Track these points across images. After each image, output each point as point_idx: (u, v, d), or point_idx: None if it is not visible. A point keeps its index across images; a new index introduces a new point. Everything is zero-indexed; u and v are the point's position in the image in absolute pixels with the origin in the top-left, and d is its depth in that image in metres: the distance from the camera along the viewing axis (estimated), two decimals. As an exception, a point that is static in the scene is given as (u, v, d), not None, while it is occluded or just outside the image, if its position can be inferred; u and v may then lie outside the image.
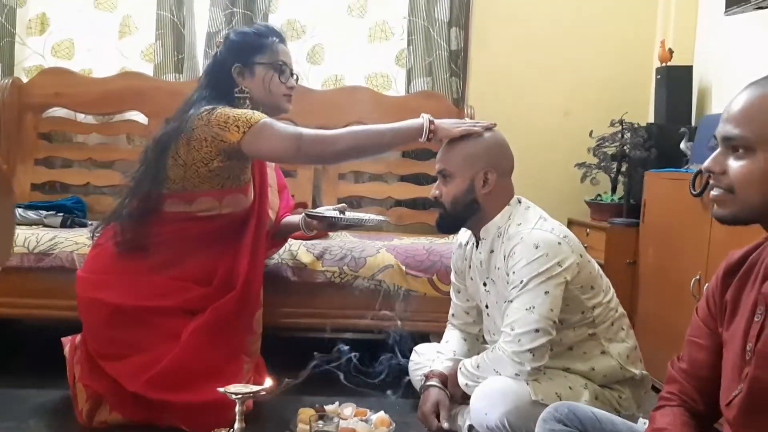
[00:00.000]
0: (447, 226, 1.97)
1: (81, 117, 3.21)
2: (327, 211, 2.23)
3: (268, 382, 1.64)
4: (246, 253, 2.08)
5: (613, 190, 3.11)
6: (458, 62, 3.30)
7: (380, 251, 2.49)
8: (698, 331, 1.30)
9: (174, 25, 3.21)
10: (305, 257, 2.45)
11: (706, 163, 1.16)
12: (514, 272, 1.79)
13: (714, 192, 1.16)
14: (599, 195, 3.16)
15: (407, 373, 2.15)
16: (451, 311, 2.16)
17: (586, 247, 1.98)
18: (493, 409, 1.73)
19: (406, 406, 2.22)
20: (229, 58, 2.12)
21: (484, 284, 1.95)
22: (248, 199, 2.13)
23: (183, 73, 3.24)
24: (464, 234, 2.06)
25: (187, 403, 1.89)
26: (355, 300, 2.45)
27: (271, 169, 2.32)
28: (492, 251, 1.90)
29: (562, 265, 1.77)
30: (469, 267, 2.02)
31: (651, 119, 3.17)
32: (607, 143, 3.06)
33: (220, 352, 1.97)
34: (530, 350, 1.73)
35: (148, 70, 3.25)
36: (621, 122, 3.03)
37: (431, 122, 1.95)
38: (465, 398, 1.91)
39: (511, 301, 1.78)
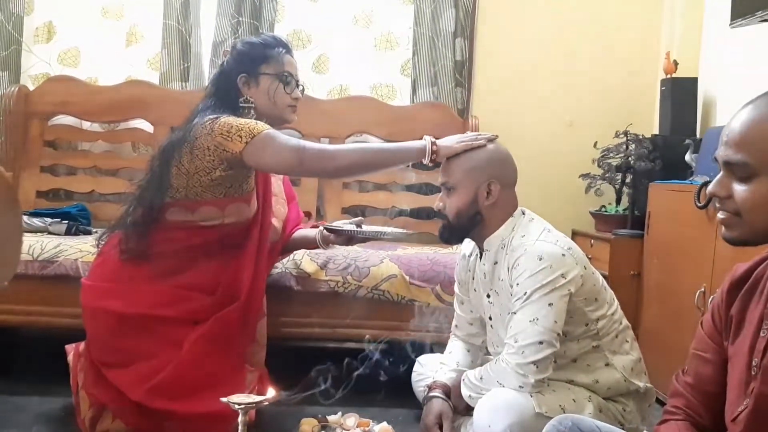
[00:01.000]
0: (450, 237, 1.97)
1: (87, 125, 3.23)
2: (344, 224, 2.20)
3: (271, 393, 1.64)
4: (249, 263, 2.08)
5: (618, 201, 3.10)
6: (463, 73, 3.31)
7: (384, 261, 2.49)
8: (703, 345, 1.29)
9: (180, 34, 3.23)
10: (309, 266, 2.45)
11: (711, 188, 1.15)
12: (517, 284, 1.78)
13: (721, 215, 1.15)
14: (604, 206, 3.16)
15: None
16: (454, 322, 2.16)
17: (590, 259, 1.98)
18: (497, 421, 1.72)
19: (410, 417, 2.21)
20: (235, 68, 2.12)
21: (488, 296, 1.94)
22: (251, 208, 2.13)
23: (189, 82, 3.25)
24: (468, 245, 2.06)
25: (189, 412, 1.88)
26: (359, 310, 2.44)
27: (276, 179, 2.31)
28: (496, 263, 1.90)
29: (566, 277, 1.76)
30: (473, 278, 2.02)
31: (656, 131, 3.16)
32: (611, 154, 3.06)
33: (222, 361, 1.96)
34: (534, 362, 1.73)
35: (154, 78, 3.26)
36: (626, 133, 3.03)
37: (433, 143, 1.95)
38: (468, 410, 1.90)
39: (515, 313, 1.78)
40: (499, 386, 1.78)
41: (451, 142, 1.94)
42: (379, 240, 2.26)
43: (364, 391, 2.15)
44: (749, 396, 1.13)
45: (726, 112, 2.84)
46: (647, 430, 1.80)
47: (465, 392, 1.87)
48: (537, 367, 1.73)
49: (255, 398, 1.51)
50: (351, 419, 2.08)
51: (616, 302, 1.93)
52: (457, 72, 3.29)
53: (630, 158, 2.97)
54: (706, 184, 2.15)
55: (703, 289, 2.21)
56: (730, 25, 2.56)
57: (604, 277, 2.01)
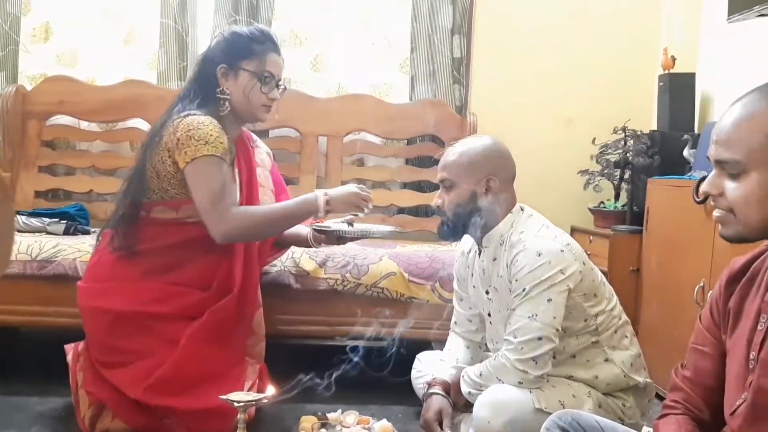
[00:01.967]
0: (449, 234, 1.97)
1: (84, 125, 3.22)
2: (334, 223, 2.18)
3: (270, 390, 1.64)
4: (239, 255, 2.08)
5: (616, 197, 3.10)
6: (461, 70, 3.31)
7: (383, 259, 2.49)
8: (702, 339, 1.29)
9: (177, 33, 3.22)
10: (308, 265, 2.45)
11: (704, 186, 1.17)
12: (516, 280, 1.78)
13: (716, 213, 1.16)
14: (602, 202, 3.16)
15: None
16: (453, 319, 2.16)
17: (588, 255, 1.98)
18: (496, 417, 1.72)
19: (409, 414, 2.21)
20: (217, 56, 2.09)
21: (487, 292, 1.94)
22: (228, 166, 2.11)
23: (186, 81, 3.24)
24: (467, 242, 2.06)
25: (189, 409, 1.88)
26: (358, 308, 2.44)
27: (263, 169, 2.27)
28: (495, 259, 1.90)
29: (565, 273, 1.76)
30: (472, 275, 2.02)
31: (654, 126, 3.16)
32: (610, 150, 3.07)
33: (220, 355, 1.96)
34: (533, 358, 1.73)
35: (151, 78, 3.26)
36: (624, 129, 3.03)
37: (326, 194, 2.02)
38: (468, 406, 1.90)
39: (514, 309, 1.78)
40: (498, 382, 1.78)
41: (342, 195, 2.04)
42: (369, 238, 2.24)
43: (364, 388, 2.15)
44: (747, 389, 1.14)
45: (724, 107, 2.80)
46: (647, 425, 1.79)
47: (464, 389, 1.87)
48: (536, 362, 1.73)
49: (254, 396, 1.52)
50: (351, 416, 2.08)
51: (615, 298, 1.93)
52: (455, 69, 3.29)
53: (628, 154, 2.97)
54: (704, 179, 2.15)
55: (702, 284, 2.21)
56: (728, 19, 2.56)
57: (603, 273, 2.01)
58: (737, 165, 1.10)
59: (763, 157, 1.08)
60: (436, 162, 3.19)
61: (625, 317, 1.94)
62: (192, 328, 1.97)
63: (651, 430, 1.34)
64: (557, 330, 1.75)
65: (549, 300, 1.74)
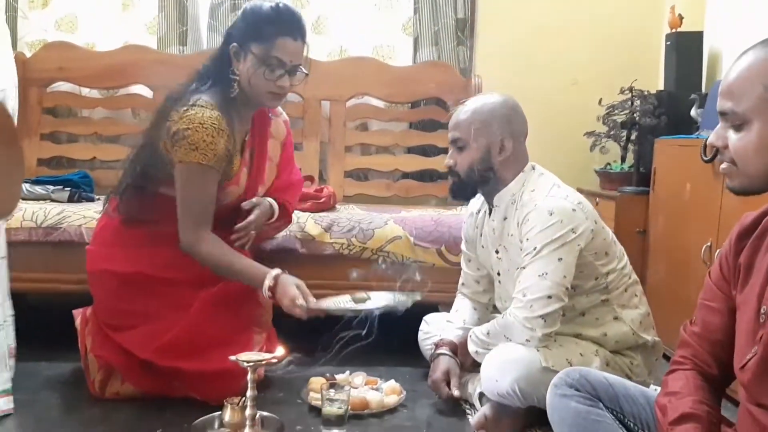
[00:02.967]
0: (461, 194, 1.96)
1: (86, 91, 3.20)
2: (340, 301, 1.94)
3: (280, 351, 1.65)
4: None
5: (623, 158, 3.08)
6: (465, 31, 3.26)
7: (388, 223, 2.48)
8: (711, 294, 1.29)
9: (177, -3, 3.18)
10: (313, 229, 2.44)
11: (710, 139, 1.17)
12: (527, 239, 1.78)
13: (722, 166, 1.16)
14: (609, 164, 3.14)
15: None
16: (461, 280, 2.16)
17: (596, 216, 1.96)
18: (504, 376, 1.73)
19: (417, 375, 2.23)
20: (234, 33, 2.02)
21: (497, 252, 1.94)
22: (240, 188, 2.08)
23: (187, 46, 3.21)
24: (476, 202, 2.04)
25: (198, 371, 1.90)
26: (364, 271, 2.44)
27: (275, 141, 2.22)
28: (505, 218, 1.89)
29: (576, 231, 1.75)
30: (481, 235, 2.01)
31: (661, 86, 3.13)
32: (616, 111, 3.03)
33: (230, 322, 1.97)
34: (542, 316, 1.73)
35: (151, 43, 3.22)
36: (630, 90, 2.99)
37: (275, 281, 1.89)
38: (475, 366, 1.91)
39: (524, 268, 1.78)
40: (506, 341, 1.79)
41: (288, 292, 1.86)
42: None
43: (372, 351, 2.16)
44: (758, 343, 1.13)
45: (732, 66, 2.79)
46: (654, 383, 1.81)
47: (472, 348, 1.88)
48: (545, 321, 1.73)
49: (263, 356, 1.52)
50: (359, 377, 2.11)
51: (626, 257, 1.93)
52: (459, 30, 3.24)
53: (635, 114, 2.94)
54: (712, 137, 2.13)
55: (709, 244, 2.20)
56: (737, -25, 2.51)
57: (611, 234, 2.00)
58: (738, 116, 1.11)
59: (762, 107, 1.09)
60: (441, 126, 3.20)
61: (634, 276, 1.93)
62: (204, 294, 1.98)
63: (658, 388, 1.34)
64: (567, 289, 1.75)
65: (560, 259, 1.74)
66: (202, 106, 1.92)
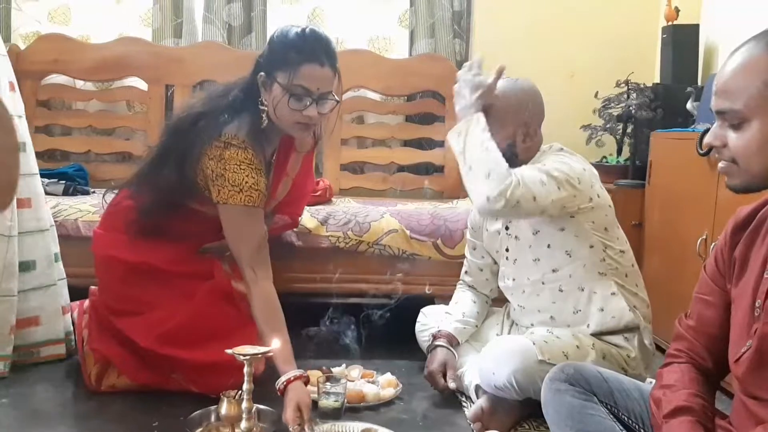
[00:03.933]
0: None
1: (80, 84, 3.18)
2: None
3: (276, 344, 1.65)
4: None
5: (619, 151, 3.08)
6: (461, 23, 3.25)
7: (384, 216, 2.48)
8: (706, 287, 1.29)
9: (172, -12, 3.16)
10: (309, 222, 2.44)
11: (707, 138, 1.17)
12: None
13: (721, 165, 1.16)
14: (605, 157, 3.14)
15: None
16: (464, 269, 2.18)
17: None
18: (500, 368, 1.74)
19: (413, 367, 2.23)
20: (261, 63, 1.92)
21: (506, 228, 1.95)
22: (265, 210, 2.02)
23: (182, 38, 3.20)
24: None
25: (196, 362, 1.90)
26: (360, 265, 2.45)
27: (297, 155, 2.12)
28: None
29: (581, 180, 1.80)
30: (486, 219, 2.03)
31: (657, 79, 3.12)
32: (612, 104, 3.03)
33: (232, 314, 1.96)
34: (523, 190, 1.70)
35: (146, 35, 3.20)
36: (627, 83, 2.99)
37: (285, 384, 1.73)
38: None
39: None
40: (479, 156, 1.73)
41: (288, 407, 1.69)
42: None
43: (368, 343, 2.17)
44: (752, 337, 1.14)
45: (728, 58, 2.79)
46: (650, 377, 1.81)
47: (452, 136, 1.82)
48: (522, 187, 1.70)
49: (260, 349, 1.52)
50: (355, 370, 2.11)
51: (628, 245, 1.94)
52: (456, 23, 3.23)
53: (631, 108, 2.94)
54: (708, 131, 2.13)
55: (705, 237, 2.21)
56: (733, -32, 2.50)
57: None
58: (737, 114, 1.10)
59: (762, 104, 1.08)
60: (437, 118, 3.19)
61: (636, 267, 1.95)
62: (209, 285, 1.98)
63: (653, 381, 1.35)
64: (552, 200, 1.74)
65: (559, 183, 1.75)
66: (236, 146, 1.87)
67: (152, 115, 3.13)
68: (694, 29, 2.95)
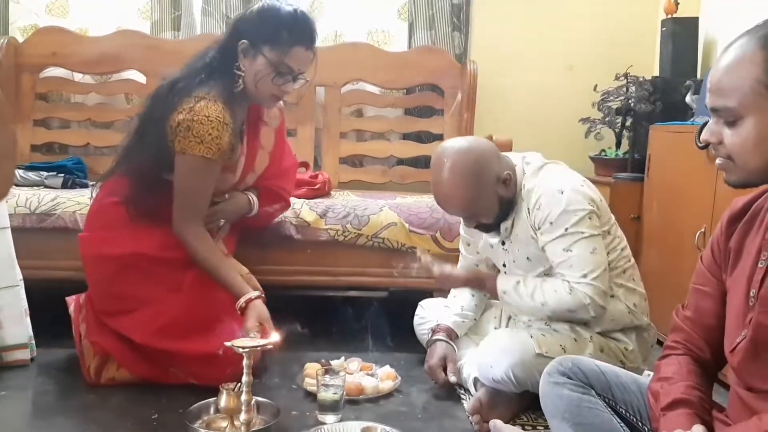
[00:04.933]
0: (492, 229, 1.94)
1: (78, 77, 3.17)
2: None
3: (275, 337, 1.65)
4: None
5: (618, 145, 3.08)
6: (461, 16, 3.24)
7: (383, 209, 2.48)
8: (703, 278, 1.30)
9: (170, -19, 3.15)
10: (308, 215, 2.44)
11: (703, 135, 1.17)
12: (550, 223, 1.78)
13: (718, 161, 1.16)
14: (603, 150, 3.14)
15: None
16: (459, 265, 2.17)
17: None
18: (499, 362, 1.74)
19: (412, 360, 2.24)
20: (245, 29, 1.98)
21: (503, 243, 1.94)
22: (236, 176, 2.11)
23: (180, 31, 3.19)
24: None
25: (194, 354, 1.90)
26: (359, 258, 2.45)
27: (269, 129, 2.22)
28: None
29: (594, 201, 1.81)
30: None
31: (656, 72, 3.12)
32: (611, 97, 3.03)
33: (222, 299, 1.96)
34: (604, 291, 1.78)
35: (145, 28, 3.19)
36: (626, 76, 2.99)
37: (246, 303, 1.90)
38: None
39: (569, 250, 1.78)
40: (530, 300, 1.81)
41: (249, 319, 1.86)
42: None
43: (367, 336, 2.18)
44: (747, 326, 1.14)
45: (728, 51, 2.79)
46: (648, 370, 1.82)
47: (502, 285, 1.87)
48: (595, 292, 1.76)
49: (259, 342, 1.53)
50: (354, 363, 2.12)
51: (625, 240, 1.95)
52: (455, 15, 3.22)
53: (630, 101, 2.94)
54: (706, 123, 2.13)
55: (703, 230, 2.21)
56: (733, -40, 2.50)
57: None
58: (731, 112, 1.09)
59: (756, 101, 1.07)
60: (436, 112, 3.19)
61: (633, 261, 1.95)
62: (192, 272, 1.98)
63: (651, 374, 1.35)
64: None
65: (591, 235, 1.79)
66: (207, 99, 1.92)
67: (151, 109, 3.12)
68: (693, 22, 2.95)
